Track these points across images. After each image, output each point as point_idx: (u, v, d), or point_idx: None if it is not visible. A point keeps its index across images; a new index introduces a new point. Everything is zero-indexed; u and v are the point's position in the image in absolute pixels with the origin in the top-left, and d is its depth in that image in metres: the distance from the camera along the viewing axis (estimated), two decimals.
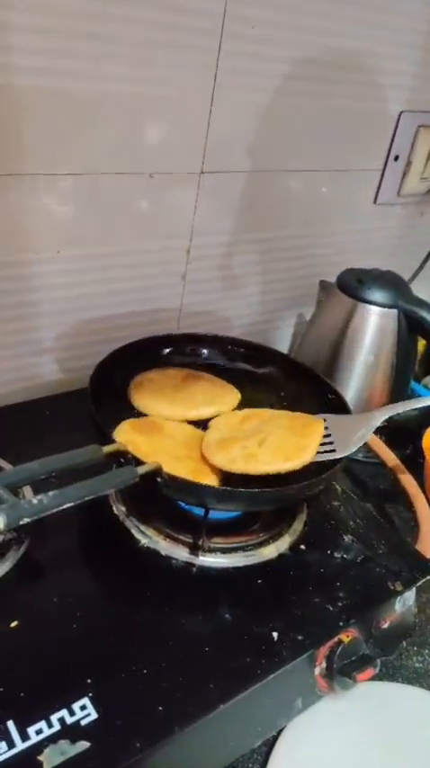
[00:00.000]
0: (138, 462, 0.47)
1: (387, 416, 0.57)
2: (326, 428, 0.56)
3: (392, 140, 0.85)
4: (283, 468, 0.52)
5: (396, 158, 0.87)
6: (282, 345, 0.95)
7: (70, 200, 0.64)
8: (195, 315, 0.82)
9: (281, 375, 0.67)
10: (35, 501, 0.42)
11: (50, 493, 0.42)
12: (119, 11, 0.57)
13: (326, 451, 0.54)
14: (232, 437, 0.55)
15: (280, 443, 0.54)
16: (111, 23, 0.57)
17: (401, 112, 0.83)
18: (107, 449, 0.49)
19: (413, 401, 0.59)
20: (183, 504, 0.55)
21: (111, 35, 0.58)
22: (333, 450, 0.54)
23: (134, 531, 0.53)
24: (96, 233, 0.68)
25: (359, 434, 0.55)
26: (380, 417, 0.57)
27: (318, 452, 0.54)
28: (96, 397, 0.54)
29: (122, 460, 0.48)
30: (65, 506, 0.42)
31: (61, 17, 0.55)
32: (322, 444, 0.55)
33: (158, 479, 0.47)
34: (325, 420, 0.57)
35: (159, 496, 0.49)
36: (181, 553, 0.52)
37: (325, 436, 0.56)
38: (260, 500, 0.51)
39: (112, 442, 0.50)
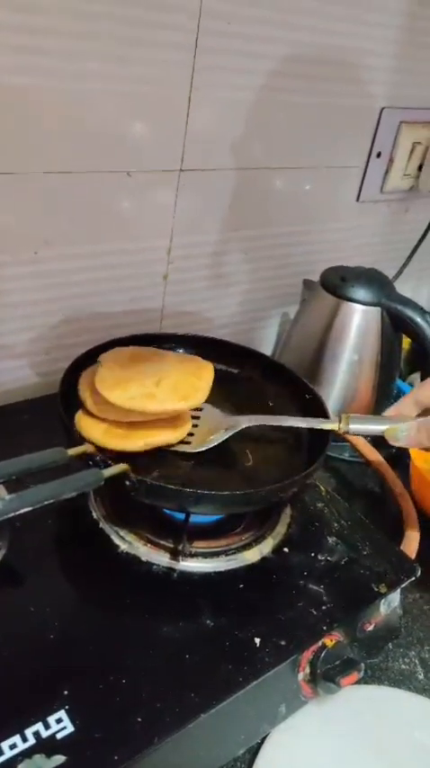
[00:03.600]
0: (106, 465, 0.46)
1: (250, 425, 0.55)
2: (197, 417, 0.56)
3: (374, 137, 0.85)
4: (180, 406, 0.52)
5: (378, 155, 0.86)
6: (267, 345, 0.94)
7: (45, 199, 0.62)
8: (178, 315, 0.81)
9: (259, 375, 0.66)
10: None
11: (6, 497, 0.41)
12: (93, 7, 0.56)
13: (181, 443, 0.54)
14: (127, 376, 0.54)
15: (176, 384, 0.54)
16: (85, 20, 0.56)
17: (383, 108, 0.83)
18: (72, 451, 0.47)
19: (279, 417, 0.58)
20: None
21: (85, 31, 0.57)
22: (188, 443, 0.54)
23: (113, 537, 0.52)
24: (74, 233, 0.66)
25: (215, 437, 0.54)
26: (241, 424, 0.55)
27: (177, 443, 0.54)
28: (67, 399, 0.53)
29: (91, 463, 0.47)
30: (21, 511, 0.41)
31: (35, 14, 0.53)
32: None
33: (126, 482, 0.46)
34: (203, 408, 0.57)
35: (136, 501, 0.48)
36: (161, 558, 0.51)
37: (193, 426, 0.55)
38: (235, 502, 0.50)
39: (80, 443, 0.49)
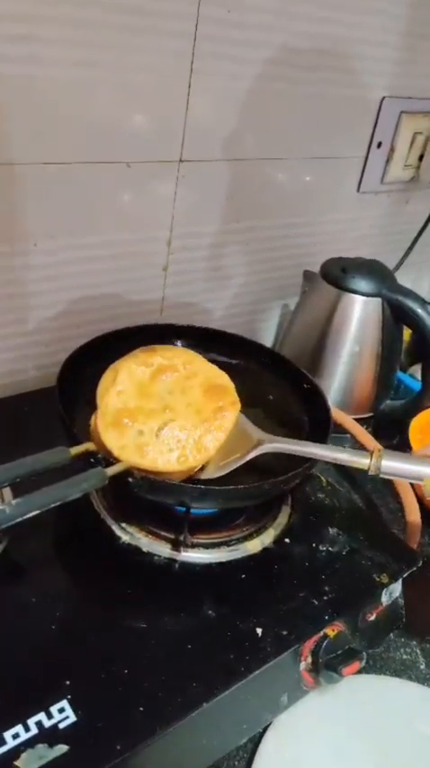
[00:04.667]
0: (108, 463, 0.46)
1: (272, 451, 0.51)
2: None
3: (375, 127, 0.84)
4: (174, 469, 0.48)
5: (379, 145, 0.86)
6: (268, 336, 0.94)
7: (45, 190, 0.62)
8: (178, 306, 0.80)
9: (258, 366, 0.65)
10: None
11: (14, 501, 0.41)
12: None
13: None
14: (134, 407, 0.50)
15: (180, 436, 0.49)
16: (84, 8, 0.55)
17: (383, 98, 0.82)
18: (75, 450, 0.47)
19: (303, 444, 0.52)
20: None
21: (84, 20, 0.56)
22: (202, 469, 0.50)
23: (115, 528, 0.52)
24: (73, 225, 0.66)
25: (230, 461, 0.50)
26: (259, 451, 0.50)
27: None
28: (66, 394, 0.52)
29: (92, 461, 0.47)
30: (31, 515, 0.41)
31: (33, 3, 0.53)
32: None
33: (130, 479, 0.46)
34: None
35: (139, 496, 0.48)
36: (163, 549, 0.51)
37: None
38: (237, 496, 0.50)
39: (81, 442, 0.48)
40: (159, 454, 0.48)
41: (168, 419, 0.50)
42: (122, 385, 0.51)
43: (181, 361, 0.53)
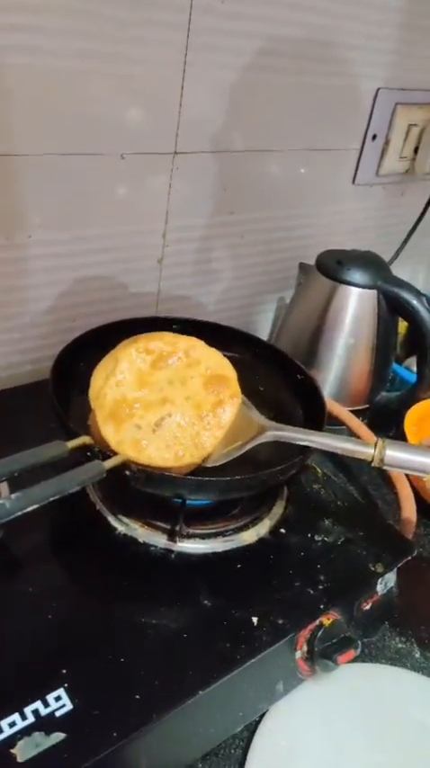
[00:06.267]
0: (105, 456, 0.46)
1: (275, 439, 0.50)
2: None
3: (370, 119, 0.84)
4: (171, 465, 0.48)
5: (374, 137, 0.86)
6: (263, 329, 0.94)
7: (39, 181, 0.62)
8: (174, 299, 0.80)
9: (251, 357, 0.65)
10: None
11: (13, 496, 0.41)
12: None
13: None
14: (132, 399, 0.49)
15: (177, 432, 0.49)
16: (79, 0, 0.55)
17: (378, 90, 0.82)
18: (72, 444, 0.47)
19: (308, 432, 0.51)
20: None
21: (78, 11, 0.56)
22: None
23: (111, 519, 0.52)
24: (68, 217, 0.66)
25: (225, 451, 0.49)
26: (263, 439, 0.50)
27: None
28: (59, 388, 0.52)
29: (89, 454, 0.47)
30: (30, 509, 0.41)
31: None
32: None
33: (127, 472, 0.46)
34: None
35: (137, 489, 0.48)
36: (159, 540, 0.51)
37: None
38: (233, 488, 0.50)
39: (77, 435, 0.48)
40: (156, 451, 0.48)
41: (166, 413, 0.49)
42: (122, 374, 0.51)
43: (183, 346, 0.53)
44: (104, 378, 0.51)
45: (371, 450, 0.48)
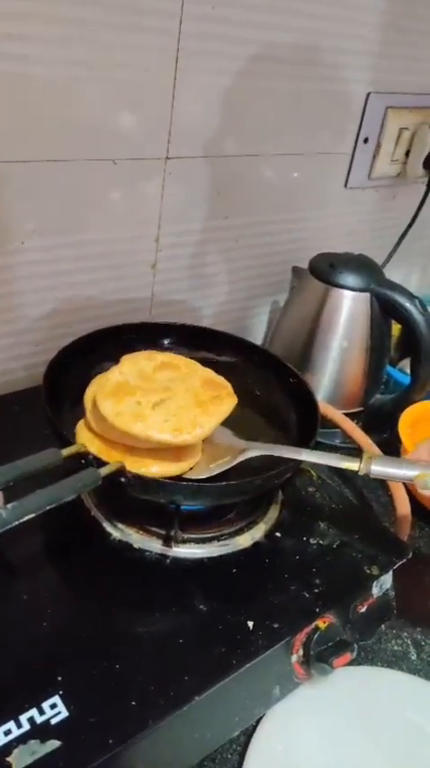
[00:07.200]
0: (101, 463, 0.46)
1: (257, 455, 0.51)
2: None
3: (361, 122, 0.85)
4: (165, 438, 0.48)
5: (365, 140, 0.86)
6: (257, 333, 0.95)
7: (32, 187, 0.62)
8: (167, 304, 0.80)
9: (245, 363, 0.65)
10: None
11: (9, 505, 0.41)
12: None
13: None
14: (134, 385, 0.50)
15: (177, 410, 0.49)
16: (70, 6, 0.56)
17: (369, 93, 0.83)
18: (67, 451, 0.47)
19: (291, 449, 0.52)
20: None
21: (69, 18, 0.56)
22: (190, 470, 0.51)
23: (105, 525, 0.52)
24: (61, 223, 0.66)
25: (218, 464, 0.51)
26: (249, 454, 0.51)
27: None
28: (53, 395, 0.52)
29: (83, 461, 0.47)
30: (26, 518, 0.41)
31: (19, 0, 0.53)
32: None
33: (122, 479, 0.46)
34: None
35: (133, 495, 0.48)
36: (154, 545, 0.51)
37: None
38: (229, 493, 0.50)
39: (71, 443, 0.48)
40: (154, 423, 0.48)
41: (167, 397, 0.50)
42: (125, 371, 0.52)
43: (183, 363, 0.55)
44: (105, 377, 0.52)
45: (357, 464, 0.50)
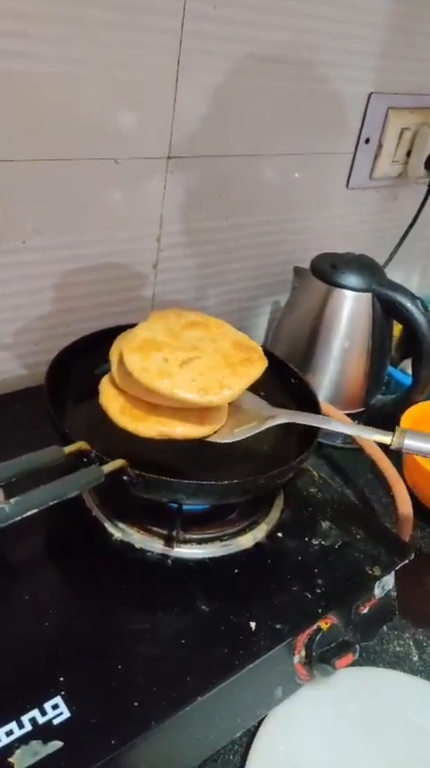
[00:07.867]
0: (103, 461, 0.46)
1: (286, 422, 0.51)
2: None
3: (363, 123, 0.85)
4: (191, 398, 0.46)
5: (367, 141, 0.86)
6: (258, 333, 0.94)
7: (33, 186, 0.62)
8: (168, 304, 0.80)
9: None
10: None
11: (12, 500, 0.41)
12: None
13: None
14: (162, 341, 0.48)
15: (204, 370, 0.47)
16: (72, 5, 0.55)
17: (371, 94, 0.83)
18: (69, 449, 0.47)
19: (324, 419, 0.52)
20: None
21: (71, 17, 0.56)
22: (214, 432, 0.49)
23: (107, 525, 0.52)
24: (62, 222, 0.66)
25: (245, 428, 0.50)
26: (278, 420, 0.50)
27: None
28: (54, 394, 0.52)
29: (86, 459, 0.47)
30: (29, 513, 0.41)
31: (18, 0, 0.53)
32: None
33: (125, 477, 0.46)
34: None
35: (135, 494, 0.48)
36: (155, 545, 0.51)
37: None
38: (231, 492, 0.50)
39: (73, 441, 0.48)
40: (181, 381, 0.46)
41: (195, 356, 0.48)
42: (153, 326, 0.50)
43: (213, 323, 0.53)
44: (132, 333, 0.50)
45: (389, 437, 0.49)
